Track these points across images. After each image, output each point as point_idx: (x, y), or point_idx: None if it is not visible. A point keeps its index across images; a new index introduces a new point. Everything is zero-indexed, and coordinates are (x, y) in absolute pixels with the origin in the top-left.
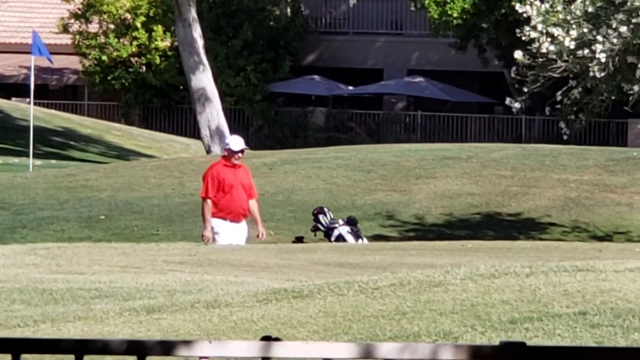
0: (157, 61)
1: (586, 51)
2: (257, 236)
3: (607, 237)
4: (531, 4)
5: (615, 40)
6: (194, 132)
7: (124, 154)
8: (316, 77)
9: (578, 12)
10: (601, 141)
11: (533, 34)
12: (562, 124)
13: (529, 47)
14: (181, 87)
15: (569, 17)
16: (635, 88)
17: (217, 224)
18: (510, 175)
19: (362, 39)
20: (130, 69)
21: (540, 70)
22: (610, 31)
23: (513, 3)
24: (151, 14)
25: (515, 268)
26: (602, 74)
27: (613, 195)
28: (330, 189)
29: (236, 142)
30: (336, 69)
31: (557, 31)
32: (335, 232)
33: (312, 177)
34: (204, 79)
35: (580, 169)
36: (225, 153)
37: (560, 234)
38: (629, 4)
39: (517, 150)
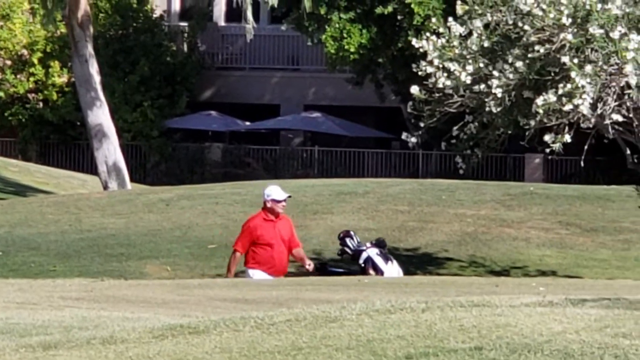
0: (54, 97)
1: (482, 86)
2: (308, 265)
3: (504, 272)
4: (427, 39)
5: (511, 75)
6: (91, 168)
7: (21, 190)
8: (213, 112)
9: (474, 47)
10: (498, 176)
11: (429, 69)
12: (458, 159)
13: (425, 82)
14: (78, 123)
15: (465, 52)
16: (532, 122)
17: (258, 275)
18: (407, 210)
19: (259, 75)
20: (27, 105)
21: (437, 105)
22: (506, 66)
23: (409, 38)
24: (48, 49)
25: (411, 303)
26: (499, 109)
27: (510, 230)
28: (228, 225)
29: (278, 192)
30: (233, 104)
31: (453, 66)
32: (364, 255)
33: (209, 213)
34: (100, 115)
35: (477, 204)
36: (268, 204)
37: (458, 268)
38: (524, 39)
39: (414, 185)
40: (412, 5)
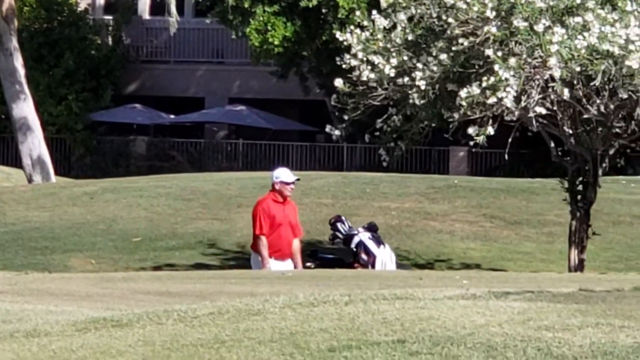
0: None
1: (406, 79)
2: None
3: (428, 265)
4: (352, 32)
5: (435, 68)
6: (15, 161)
7: None
8: (138, 105)
9: (398, 40)
10: (423, 169)
11: (353, 62)
12: (382, 152)
13: (349, 75)
14: (3, 117)
15: (389, 45)
16: (456, 115)
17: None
18: (331, 204)
19: (184, 68)
20: None
21: (361, 98)
22: (430, 59)
23: (334, 31)
24: None
25: (334, 296)
26: (422, 102)
27: (434, 223)
28: (152, 218)
29: (287, 174)
30: (158, 97)
31: (377, 59)
32: (356, 239)
33: (133, 206)
34: (25, 108)
35: (402, 197)
36: (277, 187)
37: None
38: (448, 32)
39: (338, 178)
40: None
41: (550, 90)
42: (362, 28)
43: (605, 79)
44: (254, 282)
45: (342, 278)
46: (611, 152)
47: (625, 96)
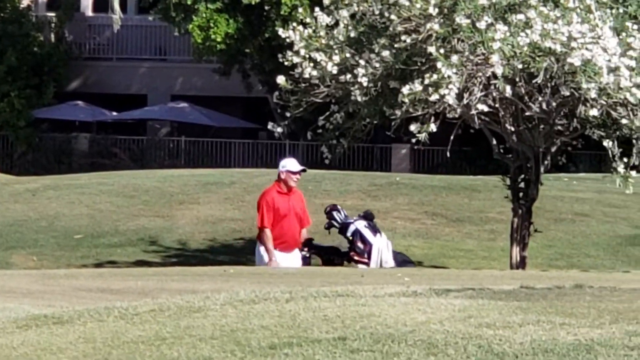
0: None
1: (349, 76)
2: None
3: None
4: (294, 29)
5: (377, 65)
6: None
7: None
8: (80, 102)
9: (341, 37)
10: (365, 166)
11: (296, 59)
12: (324, 149)
13: (292, 72)
14: None
15: (331, 42)
16: (398, 112)
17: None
18: None
19: (126, 65)
20: None
21: (303, 95)
22: (372, 56)
23: (276, 28)
24: None
25: (275, 293)
26: (364, 99)
27: (376, 220)
28: (94, 215)
29: (294, 163)
30: (100, 94)
31: (319, 56)
32: (352, 228)
33: (75, 203)
34: None
35: (344, 194)
36: (282, 176)
37: None
38: (391, 29)
39: None
40: None
41: (492, 87)
42: (305, 25)
43: (548, 77)
44: (196, 279)
45: (283, 275)
46: (553, 149)
47: (567, 93)
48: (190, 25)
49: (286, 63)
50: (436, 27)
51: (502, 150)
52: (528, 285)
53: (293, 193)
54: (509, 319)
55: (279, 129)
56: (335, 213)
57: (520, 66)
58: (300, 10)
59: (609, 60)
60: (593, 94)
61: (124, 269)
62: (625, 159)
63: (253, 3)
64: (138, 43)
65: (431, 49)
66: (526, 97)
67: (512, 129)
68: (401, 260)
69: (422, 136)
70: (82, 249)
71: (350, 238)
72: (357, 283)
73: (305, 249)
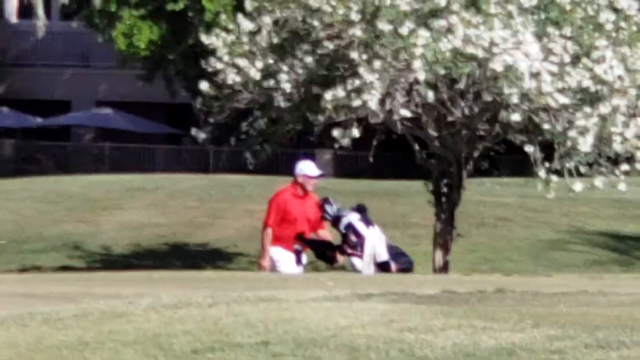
0: None
1: (271, 82)
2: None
3: None
4: (217, 36)
5: (300, 71)
6: None
7: None
8: (4, 108)
9: (263, 44)
10: (289, 171)
11: (219, 65)
12: (247, 155)
13: (215, 79)
14: None
15: (254, 49)
16: (321, 118)
17: (278, 252)
18: (196, 206)
19: (50, 71)
20: None
21: (226, 101)
22: (295, 62)
23: (199, 34)
24: None
25: (198, 298)
26: (288, 105)
27: None
28: (18, 220)
29: (312, 168)
30: (25, 100)
31: (242, 62)
32: (344, 221)
33: None
34: None
35: (267, 199)
36: (299, 180)
37: (247, 263)
38: (313, 35)
39: (203, 181)
40: (203, 2)
41: (414, 93)
42: (228, 31)
43: (470, 82)
44: (120, 284)
45: (206, 280)
46: (476, 154)
47: (489, 99)
48: (114, 32)
49: (209, 69)
50: (358, 33)
51: (424, 156)
52: (450, 290)
53: (309, 198)
54: (431, 323)
55: (202, 135)
56: (327, 206)
57: (442, 72)
58: (223, 16)
59: (531, 66)
60: (515, 99)
61: (48, 275)
62: (547, 164)
63: (176, 10)
64: (62, 49)
65: (354, 55)
66: (448, 103)
67: (435, 134)
68: (395, 252)
69: (345, 142)
70: (6, 254)
71: (343, 231)
72: (280, 288)
73: (297, 243)
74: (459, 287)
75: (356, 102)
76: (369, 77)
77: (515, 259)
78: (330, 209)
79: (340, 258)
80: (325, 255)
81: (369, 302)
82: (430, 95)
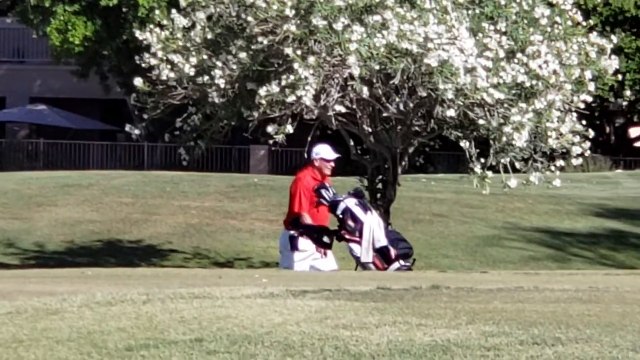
0: None
1: (206, 78)
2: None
3: (228, 264)
4: (151, 31)
5: (234, 67)
6: None
7: None
8: None
9: (197, 39)
10: (224, 167)
11: (153, 61)
12: (182, 151)
13: (149, 74)
14: None
15: (188, 44)
16: (255, 114)
17: (305, 243)
18: (131, 203)
19: None
20: None
21: (160, 97)
22: (229, 57)
23: (134, 30)
24: None
25: (132, 295)
26: (222, 100)
27: (234, 222)
28: None
29: (328, 151)
30: None
31: (177, 58)
32: (341, 206)
33: None
34: None
35: (202, 196)
36: (316, 164)
37: (182, 260)
38: (248, 30)
39: (138, 177)
40: None
41: (349, 88)
42: (162, 27)
43: (405, 77)
44: (54, 281)
45: (141, 277)
46: (411, 150)
47: (424, 94)
48: (48, 27)
49: (143, 65)
50: (293, 28)
51: (359, 152)
52: (385, 286)
53: (327, 181)
54: (366, 319)
55: (137, 131)
56: (323, 191)
57: (377, 67)
58: (157, 12)
59: (466, 61)
60: (450, 95)
61: None
62: (482, 160)
63: (111, 5)
64: None
65: (288, 51)
66: (383, 98)
67: (370, 130)
68: (394, 238)
69: (280, 137)
70: None
71: (341, 216)
72: (215, 285)
73: (294, 229)
74: (394, 283)
75: (290, 98)
76: (304, 72)
77: (450, 255)
78: (327, 194)
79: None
80: (322, 240)
81: (303, 299)
82: (365, 91)
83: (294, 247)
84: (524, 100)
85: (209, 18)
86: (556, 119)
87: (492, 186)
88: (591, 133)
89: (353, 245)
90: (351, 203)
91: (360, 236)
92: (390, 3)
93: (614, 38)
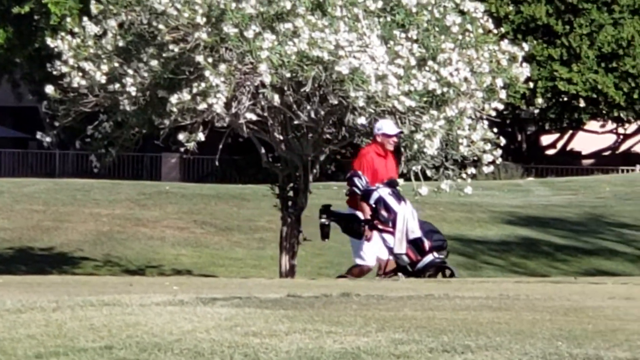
0: None
1: (117, 85)
2: None
3: (139, 271)
4: (62, 39)
5: (145, 74)
6: None
7: None
8: None
9: (109, 47)
10: (135, 175)
11: (64, 69)
12: (93, 158)
13: (61, 82)
14: None
15: (100, 52)
16: (166, 122)
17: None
18: (42, 210)
19: None
20: None
21: (72, 105)
22: (141, 65)
23: (46, 38)
24: None
25: (42, 303)
26: (133, 108)
27: (145, 229)
28: None
29: (391, 126)
30: None
31: (88, 66)
32: (375, 195)
33: None
34: None
35: (113, 203)
36: (378, 139)
37: (93, 268)
38: (159, 38)
39: (49, 185)
40: (49, 5)
41: (260, 96)
42: (74, 35)
43: (316, 85)
44: None
45: (51, 284)
46: (322, 158)
47: (335, 102)
48: None
49: (55, 72)
50: (204, 36)
51: (271, 159)
52: (295, 294)
53: (389, 156)
54: (276, 327)
55: (48, 139)
56: (356, 179)
57: (288, 75)
58: (69, 20)
59: (377, 69)
60: (361, 102)
61: None
62: None
63: (23, 13)
64: None
65: (199, 58)
66: (295, 106)
67: (281, 137)
68: (427, 229)
69: (191, 145)
70: None
71: (374, 206)
72: (126, 292)
73: (324, 216)
74: (305, 291)
75: (202, 106)
76: (215, 80)
77: None
78: (360, 182)
79: (370, 233)
80: (353, 229)
81: (213, 306)
82: (276, 99)
83: (324, 235)
84: (435, 108)
85: (120, 26)
86: (467, 126)
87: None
88: (502, 141)
89: (386, 236)
90: (385, 192)
91: (394, 227)
92: (302, 11)
93: (526, 46)
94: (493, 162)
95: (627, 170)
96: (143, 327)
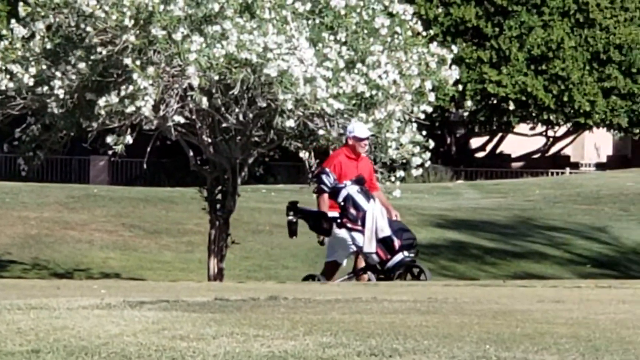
0: None
1: (45, 88)
2: (395, 216)
3: (67, 275)
4: None
5: (74, 77)
6: None
7: None
8: None
9: (37, 49)
10: (64, 178)
11: None
12: (20, 161)
13: None
14: None
15: (28, 54)
16: (95, 125)
17: (335, 215)
18: None
19: None
20: None
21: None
22: (69, 67)
23: None
24: None
25: None
26: (61, 111)
27: (73, 232)
28: None
29: (362, 129)
30: None
31: (16, 68)
32: (343, 193)
33: None
34: None
35: (41, 206)
36: (350, 142)
37: (21, 271)
38: (87, 40)
39: None
40: None
41: (188, 99)
42: (1, 37)
43: (244, 88)
44: None
45: None
46: (250, 160)
47: (264, 105)
48: None
49: None
50: (132, 38)
51: (199, 162)
52: (223, 297)
53: (361, 159)
54: (203, 331)
55: None
56: (324, 176)
57: (216, 77)
58: None
59: (305, 71)
60: (289, 105)
61: None
62: None
63: None
64: None
65: (127, 61)
66: (223, 109)
67: (209, 140)
68: (397, 228)
69: (119, 148)
70: None
71: (342, 203)
72: (53, 296)
73: (291, 213)
74: (232, 294)
75: (130, 108)
76: (143, 83)
77: (290, 266)
78: (327, 180)
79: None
80: (320, 227)
81: (141, 310)
82: (204, 101)
83: (291, 233)
84: (363, 111)
85: (49, 28)
86: (396, 129)
87: None
88: (431, 144)
89: (355, 235)
90: (353, 190)
91: (363, 225)
92: (230, 13)
93: (455, 48)
94: (422, 165)
95: (557, 173)
96: (70, 330)
